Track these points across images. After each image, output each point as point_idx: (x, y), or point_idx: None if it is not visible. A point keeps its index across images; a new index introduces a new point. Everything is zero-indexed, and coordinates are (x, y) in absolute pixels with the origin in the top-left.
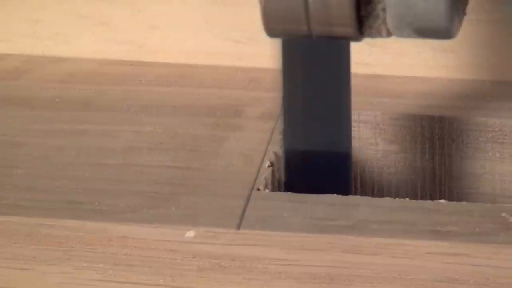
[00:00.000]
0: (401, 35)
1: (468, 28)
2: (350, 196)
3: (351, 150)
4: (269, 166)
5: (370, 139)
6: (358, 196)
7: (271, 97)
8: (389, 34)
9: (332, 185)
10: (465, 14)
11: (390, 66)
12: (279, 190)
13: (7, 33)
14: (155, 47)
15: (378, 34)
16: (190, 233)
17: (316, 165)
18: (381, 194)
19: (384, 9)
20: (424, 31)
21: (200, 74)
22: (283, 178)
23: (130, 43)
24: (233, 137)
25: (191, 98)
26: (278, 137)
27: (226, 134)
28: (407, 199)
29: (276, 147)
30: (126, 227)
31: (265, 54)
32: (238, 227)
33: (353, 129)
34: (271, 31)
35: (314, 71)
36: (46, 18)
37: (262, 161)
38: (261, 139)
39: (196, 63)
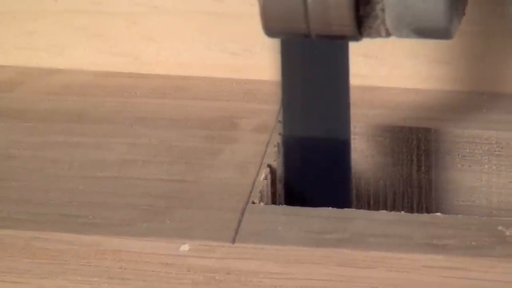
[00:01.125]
0: (400, 35)
1: (464, 40)
2: (346, 209)
3: (349, 144)
4: (264, 179)
5: (365, 151)
6: (354, 209)
7: (266, 109)
8: (388, 34)
9: (331, 180)
10: (464, 14)
11: (385, 78)
12: (274, 202)
13: (1, 44)
14: (151, 59)
15: (377, 34)
16: (185, 247)
17: (316, 163)
18: (377, 207)
19: (383, 10)
20: (423, 31)
21: (196, 86)
22: (282, 170)
23: (125, 55)
24: (228, 150)
25: (186, 110)
26: (273, 149)
27: (221, 147)
28: (403, 212)
29: (271, 160)
30: (121, 241)
31: (260, 66)
32: (233, 240)
33: None
34: (269, 31)
35: (313, 71)
36: (41, 30)
37: (257, 174)
38: (256, 152)
39: (192, 75)
